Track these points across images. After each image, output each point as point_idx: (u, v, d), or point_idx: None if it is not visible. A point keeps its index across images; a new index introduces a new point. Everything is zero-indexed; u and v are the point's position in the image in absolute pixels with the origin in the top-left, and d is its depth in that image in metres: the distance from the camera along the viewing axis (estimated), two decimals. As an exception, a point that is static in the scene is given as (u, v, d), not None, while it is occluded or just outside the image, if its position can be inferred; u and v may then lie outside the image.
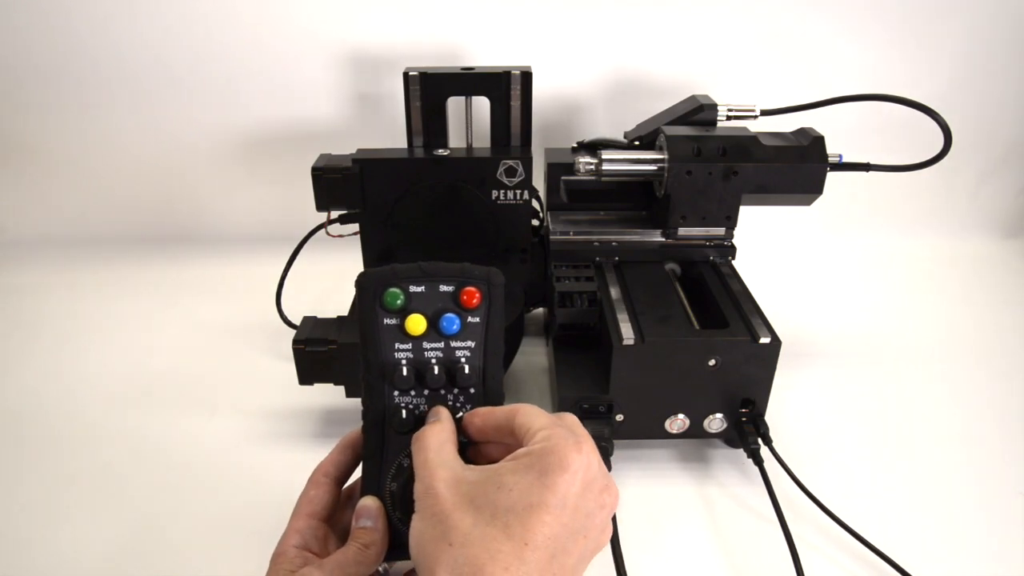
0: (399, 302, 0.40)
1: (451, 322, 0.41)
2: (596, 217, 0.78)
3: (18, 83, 0.96)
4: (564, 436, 0.35)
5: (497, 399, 0.42)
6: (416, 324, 0.41)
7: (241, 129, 1.00)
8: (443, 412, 0.40)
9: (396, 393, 0.41)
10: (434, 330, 0.41)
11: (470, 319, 0.41)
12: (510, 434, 0.38)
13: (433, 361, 0.41)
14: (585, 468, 0.34)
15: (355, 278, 0.41)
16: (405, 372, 0.40)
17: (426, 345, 0.41)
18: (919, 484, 0.65)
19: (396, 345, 0.41)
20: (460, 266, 0.41)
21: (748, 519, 0.61)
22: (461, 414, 0.41)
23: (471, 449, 0.40)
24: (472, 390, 0.41)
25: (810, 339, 0.86)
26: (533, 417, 0.37)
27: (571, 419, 0.39)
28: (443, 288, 0.41)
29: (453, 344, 0.41)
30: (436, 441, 0.37)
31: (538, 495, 0.33)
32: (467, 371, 0.41)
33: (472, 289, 0.41)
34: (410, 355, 0.41)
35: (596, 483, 0.35)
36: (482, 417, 0.39)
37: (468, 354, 0.41)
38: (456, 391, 0.41)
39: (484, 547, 0.32)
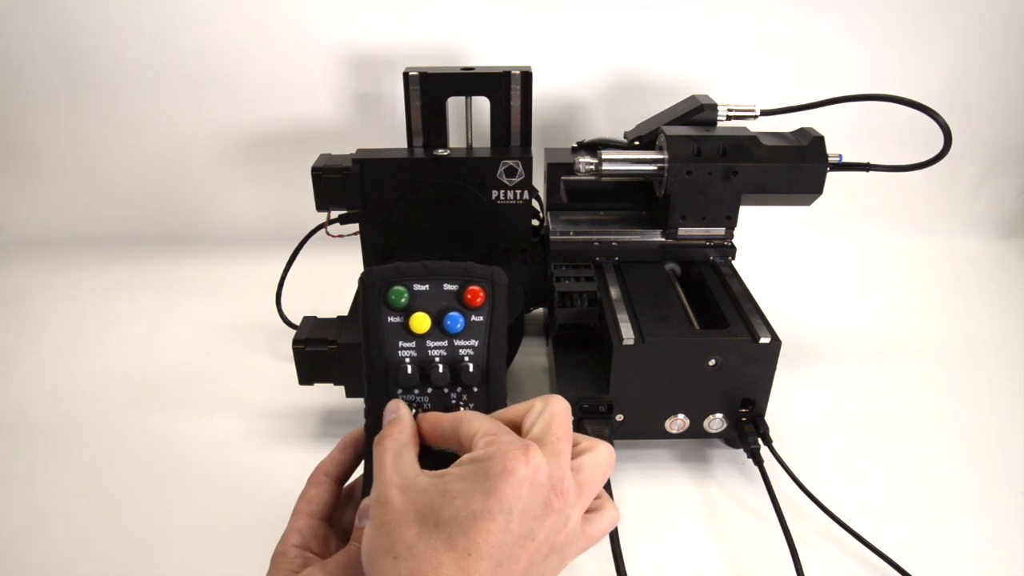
0: (403, 300, 0.40)
1: (455, 321, 0.41)
2: (596, 217, 0.78)
3: (18, 83, 0.96)
4: (510, 442, 0.34)
5: (500, 398, 0.42)
6: (420, 322, 0.40)
7: (241, 129, 1.00)
8: (403, 410, 0.39)
9: (400, 392, 0.41)
10: (438, 329, 0.41)
11: (474, 318, 0.41)
12: (457, 443, 0.37)
13: (437, 360, 0.41)
14: (533, 474, 0.33)
15: (359, 276, 0.41)
16: (409, 371, 0.40)
17: (430, 344, 0.41)
18: (919, 484, 0.65)
19: (400, 343, 0.41)
20: (464, 265, 0.41)
21: (748, 519, 0.61)
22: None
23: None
24: (475, 389, 0.41)
25: (810, 339, 0.86)
26: (476, 424, 0.36)
27: (555, 406, 0.37)
28: (447, 287, 0.41)
29: (457, 343, 0.41)
30: (395, 444, 0.36)
31: (481, 503, 0.32)
32: (471, 370, 0.41)
33: (476, 288, 0.41)
34: (414, 353, 0.41)
35: (544, 487, 0.34)
36: (430, 424, 0.38)
37: (472, 353, 0.41)
38: (460, 390, 0.41)
39: (427, 559, 0.31)
